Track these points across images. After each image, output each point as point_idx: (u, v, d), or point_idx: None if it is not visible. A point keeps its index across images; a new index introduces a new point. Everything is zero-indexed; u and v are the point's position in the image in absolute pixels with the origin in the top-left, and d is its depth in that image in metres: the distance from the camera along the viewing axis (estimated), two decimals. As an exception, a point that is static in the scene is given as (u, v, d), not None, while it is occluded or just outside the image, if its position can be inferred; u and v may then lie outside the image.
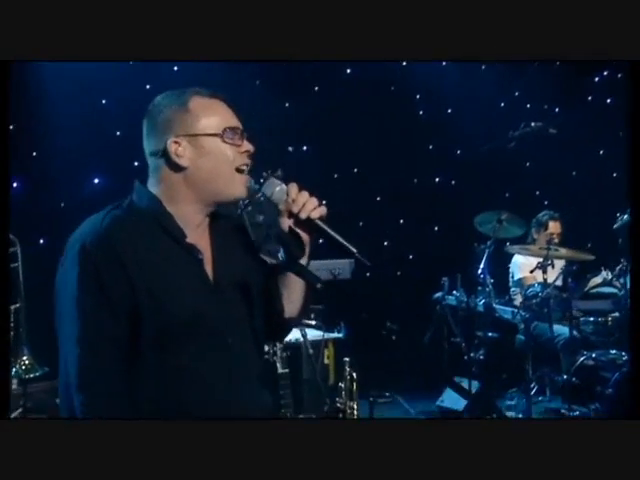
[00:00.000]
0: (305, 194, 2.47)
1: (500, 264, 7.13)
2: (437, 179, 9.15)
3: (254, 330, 2.58)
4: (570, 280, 6.44)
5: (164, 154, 2.42)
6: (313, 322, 5.34)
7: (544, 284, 6.29)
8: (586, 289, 6.77)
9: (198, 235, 2.49)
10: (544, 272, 6.23)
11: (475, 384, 6.52)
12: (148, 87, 7.00)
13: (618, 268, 6.42)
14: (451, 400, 6.71)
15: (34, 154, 7.69)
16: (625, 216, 6.42)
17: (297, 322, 2.76)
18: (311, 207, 2.47)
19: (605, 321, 6.48)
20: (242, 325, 2.54)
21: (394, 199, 8.79)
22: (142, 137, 2.50)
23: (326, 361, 5.67)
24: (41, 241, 7.34)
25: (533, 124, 6.50)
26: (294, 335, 5.38)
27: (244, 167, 2.47)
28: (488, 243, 6.58)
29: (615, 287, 6.51)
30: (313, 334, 5.52)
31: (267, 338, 2.82)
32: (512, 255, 7.12)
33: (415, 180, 8.92)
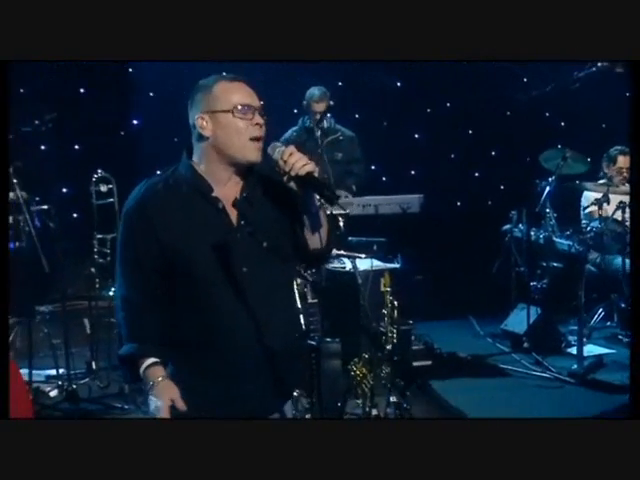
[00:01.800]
0: (296, 155, 2.85)
1: (566, 199, 7.40)
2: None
3: (279, 259, 3.03)
4: (625, 215, 6.65)
5: (196, 126, 2.94)
6: (362, 255, 5.87)
7: (600, 219, 6.67)
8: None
9: (228, 188, 2.98)
10: (599, 208, 6.61)
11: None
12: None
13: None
14: (514, 324, 7.21)
15: (151, 94, 8.57)
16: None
17: (324, 252, 3.13)
18: (299, 166, 2.83)
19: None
20: (264, 257, 2.97)
21: (485, 131, 9.18)
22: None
23: (382, 289, 5.87)
24: (158, 172, 8.24)
25: (599, 64, 6.76)
26: (349, 265, 6.02)
27: (257, 136, 2.92)
28: (550, 180, 6.94)
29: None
30: (369, 264, 6.08)
31: (304, 267, 3.46)
32: (580, 191, 7.37)
33: (508, 112, 9.22)
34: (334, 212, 5.36)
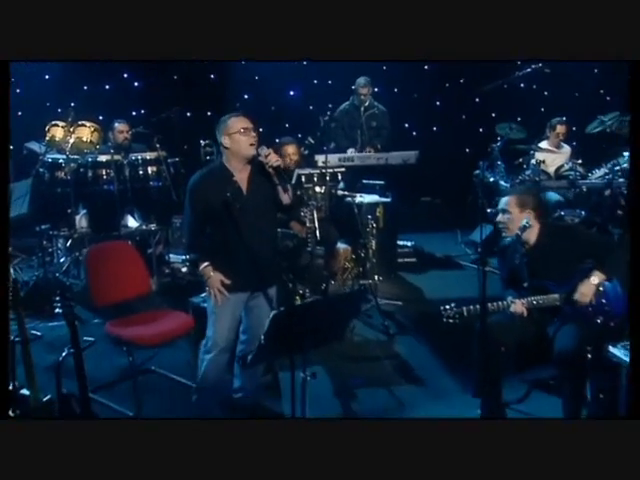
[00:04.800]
0: (272, 155, 4.75)
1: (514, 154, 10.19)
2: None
3: (270, 210, 4.98)
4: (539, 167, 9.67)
5: (221, 143, 4.86)
6: (359, 195, 8.48)
7: (524, 170, 9.88)
8: (560, 172, 9.90)
9: (243, 174, 4.89)
10: (523, 162, 9.89)
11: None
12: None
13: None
14: (475, 236, 10.33)
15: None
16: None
17: (292, 206, 5.05)
18: (271, 160, 4.73)
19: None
20: (262, 210, 4.90)
21: (490, 101, 11.84)
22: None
23: (377, 214, 8.65)
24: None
25: (533, 66, 9.47)
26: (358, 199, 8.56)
27: (253, 143, 4.80)
28: (498, 143, 9.97)
29: (575, 170, 9.68)
30: (366, 199, 8.65)
31: (282, 211, 5.17)
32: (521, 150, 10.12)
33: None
34: (335, 170, 8.18)
